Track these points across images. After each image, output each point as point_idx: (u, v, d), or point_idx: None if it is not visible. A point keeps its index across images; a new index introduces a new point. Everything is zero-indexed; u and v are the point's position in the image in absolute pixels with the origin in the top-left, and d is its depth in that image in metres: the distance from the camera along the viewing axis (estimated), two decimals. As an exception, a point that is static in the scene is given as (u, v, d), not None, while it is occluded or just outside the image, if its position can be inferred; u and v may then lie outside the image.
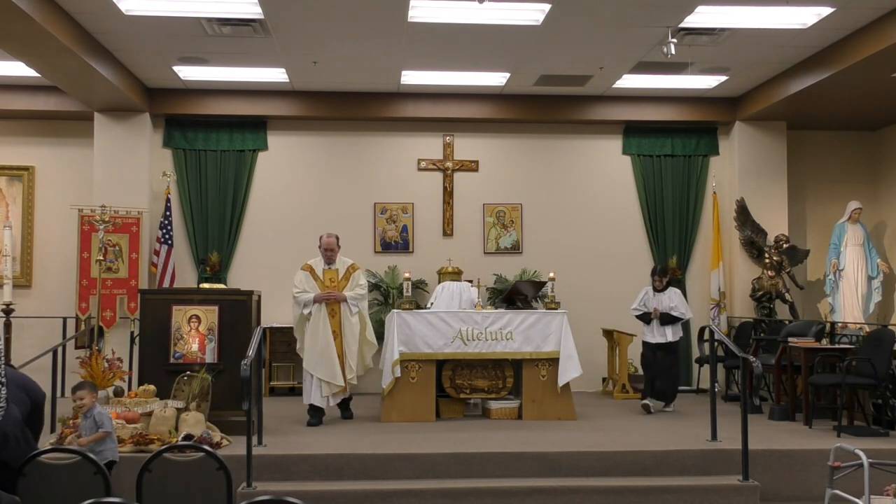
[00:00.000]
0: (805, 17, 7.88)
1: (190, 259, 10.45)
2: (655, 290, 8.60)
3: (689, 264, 10.94)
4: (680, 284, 10.83)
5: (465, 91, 10.43)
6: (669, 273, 8.88)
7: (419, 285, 10.33)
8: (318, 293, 7.80)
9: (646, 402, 8.48)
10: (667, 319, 8.47)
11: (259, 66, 9.42)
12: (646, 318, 8.57)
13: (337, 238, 8.07)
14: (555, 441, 6.78)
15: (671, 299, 8.49)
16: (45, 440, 6.35)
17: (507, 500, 5.99)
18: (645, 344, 8.67)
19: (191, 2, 7.58)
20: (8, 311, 9.13)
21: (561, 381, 8.04)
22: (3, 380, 3.84)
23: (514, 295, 8.73)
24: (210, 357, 7.10)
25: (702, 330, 10.31)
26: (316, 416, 7.69)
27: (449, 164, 10.82)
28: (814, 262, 11.01)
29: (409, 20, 7.88)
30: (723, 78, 9.83)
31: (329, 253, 7.98)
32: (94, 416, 5.47)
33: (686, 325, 10.68)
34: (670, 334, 8.51)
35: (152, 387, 6.80)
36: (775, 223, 10.64)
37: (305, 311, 7.82)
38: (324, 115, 10.62)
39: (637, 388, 9.49)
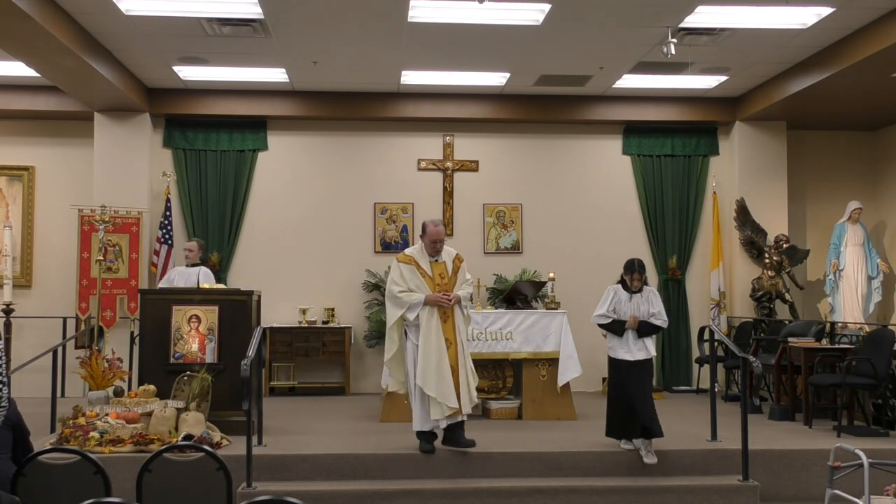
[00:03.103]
0: (805, 17, 7.88)
1: (190, 259, 10.45)
2: (631, 290, 6.55)
3: (689, 264, 10.94)
4: (680, 284, 10.84)
5: (465, 91, 10.43)
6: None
7: (419, 285, 10.31)
8: (431, 294, 6.31)
9: (635, 447, 6.44)
10: (646, 329, 6.49)
11: (259, 66, 9.42)
12: (617, 328, 6.52)
13: (445, 226, 6.66)
14: (555, 441, 6.78)
15: (651, 303, 6.50)
16: (46, 440, 6.36)
17: (507, 500, 5.99)
18: (617, 364, 6.54)
19: (191, 2, 7.58)
20: (8, 311, 9.13)
21: (561, 381, 8.05)
22: (5, 379, 3.85)
23: (514, 295, 8.73)
24: (210, 357, 7.10)
25: (702, 330, 10.32)
26: (429, 440, 6.41)
27: (449, 164, 10.82)
28: (814, 262, 11.01)
29: (409, 20, 7.88)
30: (723, 78, 9.83)
31: (438, 245, 6.47)
32: None
33: (686, 325, 10.72)
34: (652, 348, 6.55)
35: (152, 387, 6.80)
36: (775, 223, 10.65)
37: (411, 316, 6.31)
38: (324, 115, 10.62)
39: None
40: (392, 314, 6.41)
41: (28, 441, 4.51)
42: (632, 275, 6.50)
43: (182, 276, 8.50)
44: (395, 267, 6.47)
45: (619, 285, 6.61)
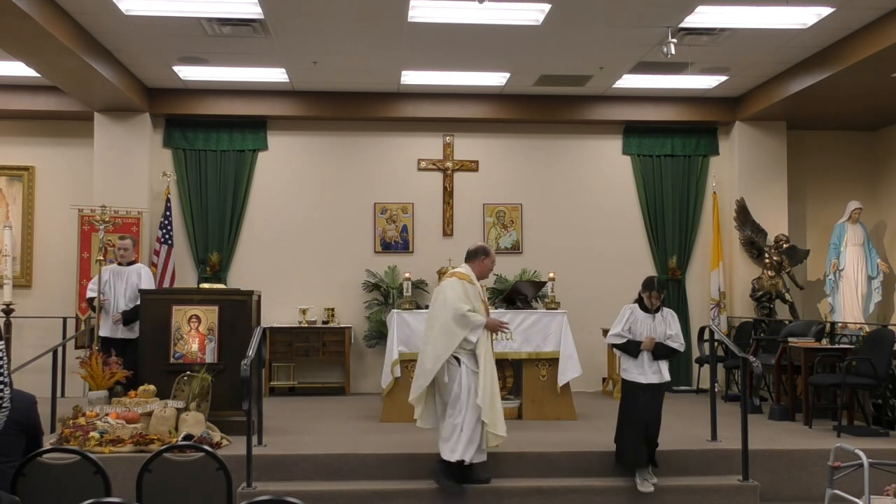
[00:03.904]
0: (805, 17, 7.88)
1: (190, 259, 10.46)
2: (648, 310, 6.23)
3: (689, 264, 10.94)
4: (680, 284, 10.84)
5: (465, 91, 10.43)
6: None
7: (419, 285, 10.32)
8: (492, 319, 6.07)
9: (646, 481, 6.10)
10: (662, 352, 6.16)
11: (259, 66, 9.42)
12: (631, 349, 6.17)
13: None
14: (555, 441, 6.78)
15: (669, 325, 6.18)
16: (45, 440, 6.35)
17: (507, 500, 5.99)
18: (633, 386, 6.16)
19: (191, 2, 7.58)
20: (8, 311, 9.12)
21: (561, 381, 8.04)
22: (6, 380, 3.84)
23: (514, 295, 8.73)
24: (210, 357, 7.10)
25: (702, 330, 10.31)
26: (458, 478, 5.97)
27: (449, 164, 10.82)
28: (814, 262, 11.02)
29: (409, 20, 7.88)
30: (723, 78, 9.83)
31: (489, 272, 6.26)
32: None
33: (686, 325, 10.71)
34: (666, 372, 6.21)
35: (152, 387, 6.80)
36: (775, 223, 10.65)
37: (474, 338, 5.88)
38: (324, 115, 10.62)
39: None
40: (455, 336, 5.82)
41: (41, 445, 4.47)
42: (650, 292, 6.17)
43: (119, 276, 7.90)
44: (458, 284, 5.95)
45: (636, 304, 6.27)
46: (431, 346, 5.89)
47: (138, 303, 7.58)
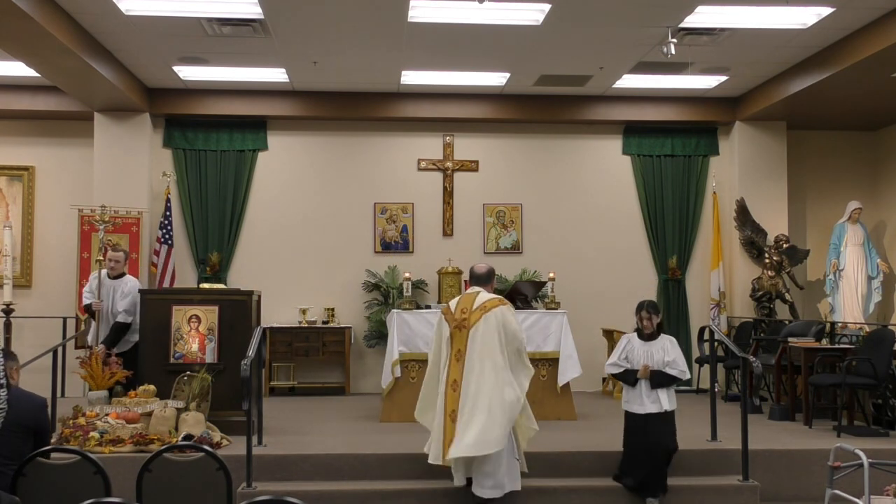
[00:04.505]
0: (805, 17, 7.89)
1: (190, 259, 10.46)
2: (643, 335, 6.14)
3: (689, 264, 10.94)
4: (680, 284, 10.84)
5: (465, 91, 10.43)
6: (661, 313, 6.30)
7: (419, 285, 10.33)
8: None
9: None
10: (661, 380, 5.97)
11: (259, 66, 9.42)
12: (629, 378, 6.04)
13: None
14: (555, 441, 6.77)
15: (667, 351, 6.01)
16: (45, 440, 6.35)
17: (507, 501, 5.98)
18: (628, 417, 6.09)
19: (191, 2, 7.58)
20: (8, 311, 9.12)
21: (561, 381, 8.04)
22: (3, 382, 3.84)
23: (514, 295, 8.72)
24: (210, 357, 7.10)
25: (702, 330, 10.31)
26: None
27: (449, 164, 10.82)
28: (814, 262, 11.02)
29: (409, 20, 7.88)
30: (723, 78, 9.83)
31: None
32: None
33: (686, 325, 10.72)
34: (666, 401, 5.98)
35: (152, 387, 6.80)
36: (775, 223, 10.65)
37: None
38: (324, 115, 10.62)
39: None
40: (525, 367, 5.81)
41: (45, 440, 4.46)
42: (639, 314, 6.12)
43: (106, 287, 7.60)
44: (513, 311, 5.90)
45: (635, 333, 6.21)
46: (510, 387, 5.58)
47: (119, 319, 7.47)
